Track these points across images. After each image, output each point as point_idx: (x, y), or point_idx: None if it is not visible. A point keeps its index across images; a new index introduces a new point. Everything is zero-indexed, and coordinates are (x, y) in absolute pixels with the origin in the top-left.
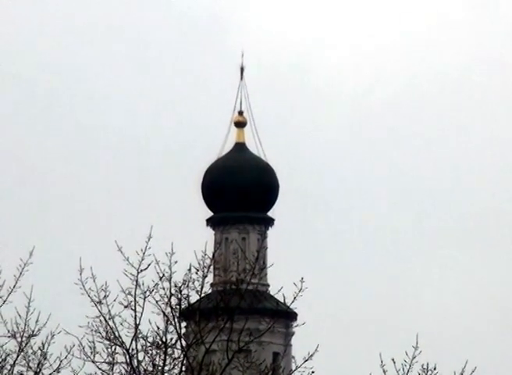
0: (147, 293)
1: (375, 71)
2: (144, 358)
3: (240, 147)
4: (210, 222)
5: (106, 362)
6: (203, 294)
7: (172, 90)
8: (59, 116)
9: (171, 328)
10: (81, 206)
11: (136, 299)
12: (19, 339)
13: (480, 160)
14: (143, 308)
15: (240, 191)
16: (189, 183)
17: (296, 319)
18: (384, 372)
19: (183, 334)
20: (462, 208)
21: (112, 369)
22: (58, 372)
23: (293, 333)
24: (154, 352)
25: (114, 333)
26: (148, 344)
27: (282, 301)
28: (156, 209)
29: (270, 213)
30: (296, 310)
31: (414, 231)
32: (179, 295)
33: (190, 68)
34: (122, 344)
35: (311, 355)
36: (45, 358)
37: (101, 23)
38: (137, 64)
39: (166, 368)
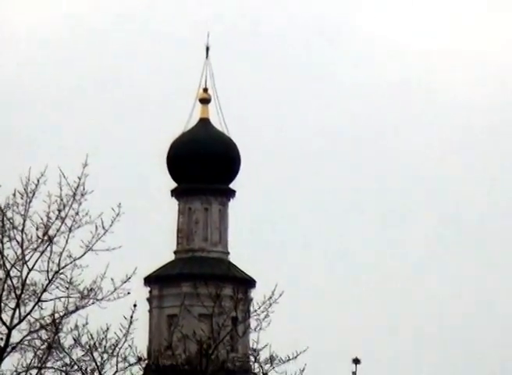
0: None
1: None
2: None
3: (204, 122)
4: (174, 193)
5: None
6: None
7: (141, 67)
8: None
9: None
10: None
11: None
12: None
13: None
14: None
15: (203, 164)
16: (155, 156)
17: (255, 286)
18: None
19: None
20: None
21: None
22: None
23: (251, 300)
24: None
25: None
26: None
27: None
28: (124, 179)
29: (232, 185)
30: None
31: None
32: (3, 218)
33: (158, 47)
34: None
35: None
36: None
37: None
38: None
39: None
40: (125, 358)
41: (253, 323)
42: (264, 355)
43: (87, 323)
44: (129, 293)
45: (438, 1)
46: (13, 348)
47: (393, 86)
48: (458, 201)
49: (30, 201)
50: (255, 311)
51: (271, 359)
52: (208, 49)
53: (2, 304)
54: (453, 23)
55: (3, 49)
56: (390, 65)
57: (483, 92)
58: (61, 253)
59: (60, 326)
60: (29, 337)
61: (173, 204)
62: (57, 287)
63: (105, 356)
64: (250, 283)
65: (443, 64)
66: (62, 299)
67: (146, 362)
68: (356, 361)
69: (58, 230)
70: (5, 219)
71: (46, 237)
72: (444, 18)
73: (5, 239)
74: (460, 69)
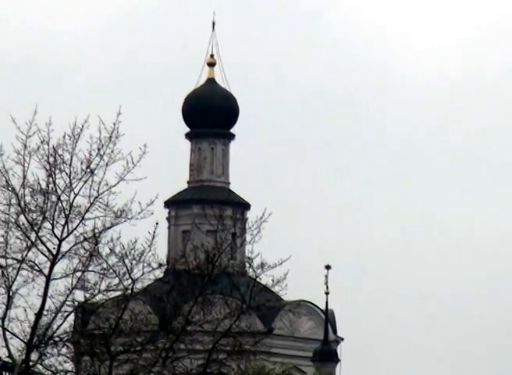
0: (32, 152)
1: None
2: (31, 201)
3: (211, 81)
4: (188, 136)
5: (3, 204)
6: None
7: (164, 40)
8: None
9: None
10: None
11: (25, 158)
12: None
13: None
14: (29, 164)
15: (210, 113)
16: (173, 107)
17: (250, 208)
18: None
19: None
20: None
21: (9, 210)
22: None
23: (247, 219)
24: (38, 197)
25: (7, 182)
26: (33, 190)
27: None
28: (149, 125)
29: (232, 130)
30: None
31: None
32: (55, 154)
33: (178, 24)
34: (13, 190)
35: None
36: None
37: None
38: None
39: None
40: (149, 264)
41: (248, 237)
42: (256, 262)
43: (119, 237)
44: (152, 213)
45: None
46: (63, 256)
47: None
48: None
49: (76, 142)
50: (250, 228)
51: (262, 265)
52: (213, 24)
53: (55, 221)
54: None
55: None
56: None
57: None
58: (100, 182)
59: (99, 239)
60: (75, 247)
61: (187, 144)
62: (97, 209)
63: (134, 262)
64: (246, 206)
65: None
66: (101, 218)
67: (165, 267)
68: (327, 267)
69: (97, 165)
70: (57, 155)
71: (88, 170)
72: None
73: (57, 171)
74: None
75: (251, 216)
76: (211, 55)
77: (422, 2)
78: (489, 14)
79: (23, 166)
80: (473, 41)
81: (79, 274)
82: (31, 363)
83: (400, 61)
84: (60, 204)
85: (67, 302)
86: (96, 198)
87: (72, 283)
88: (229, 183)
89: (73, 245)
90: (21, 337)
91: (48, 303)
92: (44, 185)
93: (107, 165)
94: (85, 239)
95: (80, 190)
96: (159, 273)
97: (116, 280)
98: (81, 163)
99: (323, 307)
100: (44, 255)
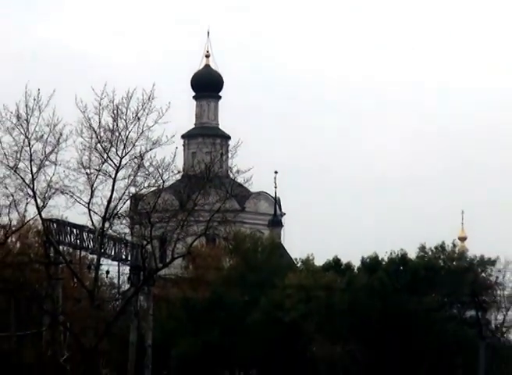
0: (104, 108)
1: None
2: (103, 135)
3: (207, 66)
4: (194, 98)
5: (88, 137)
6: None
7: (179, 42)
8: None
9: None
10: None
11: (100, 111)
12: None
13: None
14: (102, 114)
15: (207, 84)
16: (185, 83)
17: (230, 138)
18: None
19: None
20: None
21: (91, 141)
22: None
23: (229, 145)
24: (107, 133)
25: (90, 125)
26: (105, 129)
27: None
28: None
29: (220, 94)
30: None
31: None
32: (117, 109)
33: (186, 32)
34: (93, 129)
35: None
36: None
37: None
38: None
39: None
40: (172, 171)
41: (230, 155)
42: (235, 169)
43: (155, 156)
44: (174, 142)
45: None
46: (122, 167)
47: None
48: None
49: (129, 101)
50: (230, 150)
51: (238, 171)
52: (208, 32)
53: (117, 147)
54: None
55: None
56: None
57: None
58: (143, 124)
59: (143, 157)
60: (129, 162)
61: (193, 102)
62: (142, 140)
63: (164, 170)
64: (228, 138)
65: None
66: (144, 145)
67: (182, 173)
68: (276, 172)
69: (142, 114)
70: (118, 109)
71: (136, 117)
72: None
73: (118, 118)
74: None
75: (231, 143)
76: (207, 51)
77: None
78: None
79: (99, 115)
80: None
81: (132, 177)
82: (105, 229)
83: None
84: (120, 137)
85: (125, 194)
86: (141, 133)
87: (128, 183)
88: (218, 124)
89: (128, 160)
90: (99, 214)
91: (114, 195)
92: (111, 126)
93: (147, 114)
94: (135, 157)
95: (131, 128)
96: (178, 177)
97: (154, 181)
98: (132, 113)
99: (273, 195)
100: (112, 167)
